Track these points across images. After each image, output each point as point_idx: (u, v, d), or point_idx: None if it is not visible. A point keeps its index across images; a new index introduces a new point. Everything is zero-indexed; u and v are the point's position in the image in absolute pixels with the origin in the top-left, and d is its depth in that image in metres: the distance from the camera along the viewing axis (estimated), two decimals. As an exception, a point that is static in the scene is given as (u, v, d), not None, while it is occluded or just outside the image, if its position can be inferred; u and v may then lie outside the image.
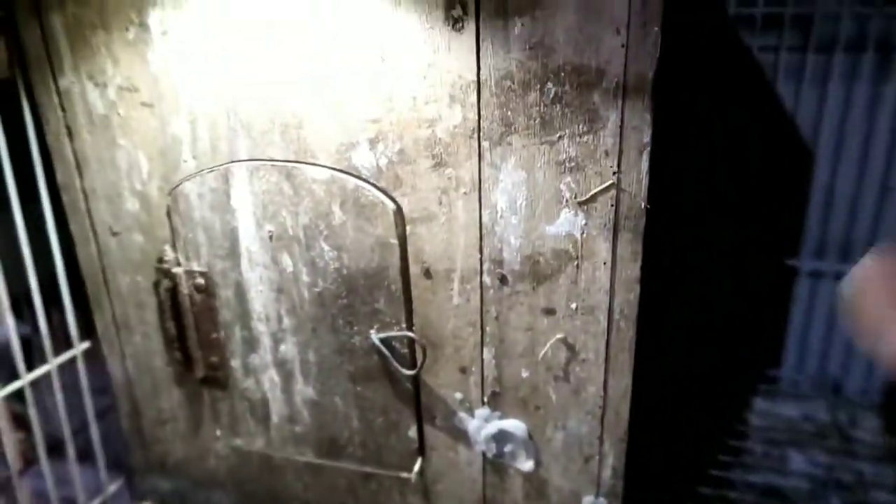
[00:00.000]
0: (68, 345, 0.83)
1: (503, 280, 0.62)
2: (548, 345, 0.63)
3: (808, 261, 1.09)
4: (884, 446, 1.03)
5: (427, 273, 0.64)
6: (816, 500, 0.93)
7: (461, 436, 0.70)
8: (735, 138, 1.04)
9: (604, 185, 0.57)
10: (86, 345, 0.85)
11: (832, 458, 1.00)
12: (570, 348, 0.63)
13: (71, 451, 0.84)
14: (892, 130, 0.99)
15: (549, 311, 0.62)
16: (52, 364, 0.79)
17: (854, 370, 1.12)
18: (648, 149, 0.55)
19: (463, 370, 0.67)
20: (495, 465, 0.70)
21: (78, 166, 0.72)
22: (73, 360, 0.84)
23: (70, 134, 0.71)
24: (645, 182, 0.56)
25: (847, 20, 0.95)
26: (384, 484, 0.76)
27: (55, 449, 0.87)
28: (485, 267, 0.62)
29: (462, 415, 0.69)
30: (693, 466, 0.99)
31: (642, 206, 0.57)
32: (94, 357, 0.84)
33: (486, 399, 0.68)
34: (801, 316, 1.13)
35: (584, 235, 0.59)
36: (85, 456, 0.90)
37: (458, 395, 0.68)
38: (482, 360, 0.66)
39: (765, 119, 1.04)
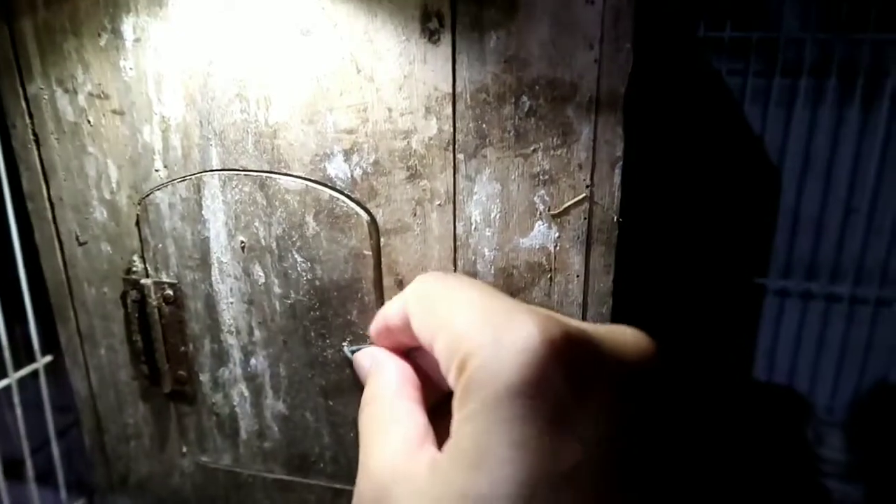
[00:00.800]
0: (30, 358, 0.81)
1: (477, 292, 0.62)
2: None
3: (775, 280, 1.11)
4: (849, 463, 1.05)
5: (401, 285, 0.64)
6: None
7: (433, 451, 0.69)
8: (703, 158, 1.06)
9: (577, 198, 0.57)
10: (48, 358, 0.83)
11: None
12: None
13: (30, 470, 0.81)
14: (855, 154, 1.02)
15: (523, 324, 0.62)
16: (12, 378, 0.77)
17: (820, 388, 1.14)
18: (621, 162, 0.56)
19: (436, 384, 0.67)
20: (467, 481, 0.70)
21: (45, 174, 0.71)
22: (34, 375, 0.81)
23: (37, 141, 0.70)
24: (617, 195, 0.57)
25: (811, 45, 0.98)
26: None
27: (13, 468, 0.84)
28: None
29: (434, 429, 0.68)
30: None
31: (615, 219, 0.58)
32: (56, 371, 0.82)
33: (458, 413, 0.67)
34: (768, 335, 1.15)
35: (558, 248, 0.59)
36: (45, 475, 0.88)
37: (431, 409, 0.68)
38: (455, 373, 0.66)
39: (732, 140, 1.06)
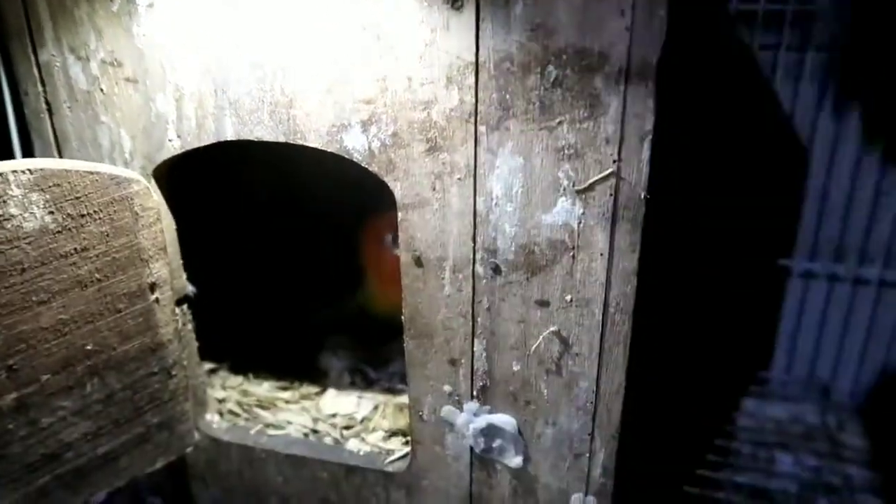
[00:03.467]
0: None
1: (496, 270, 0.61)
2: (540, 338, 0.62)
3: (801, 262, 1.08)
4: (871, 450, 1.03)
5: (418, 261, 0.62)
6: (804, 502, 0.92)
7: (448, 430, 0.68)
8: (731, 135, 1.03)
9: (603, 174, 0.55)
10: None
11: (820, 460, 1.00)
12: (563, 342, 0.61)
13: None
14: (888, 132, 0.98)
15: (543, 303, 0.61)
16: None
17: (843, 373, 1.12)
18: (650, 137, 0.54)
19: (453, 362, 0.65)
20: (483, 461, 0.69)
21: (58, 144, 0.70)
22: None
23: (50, 110, 0.69)
24: (645, 171, 0.55)
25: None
26: (368, 478, 0.74)
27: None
28: (478, 256, 0.61)
29: (450, 408, 0.67)
30: (680, 466, 0.98)
31: (642, 195, 0.55)
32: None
33: (475, 392, 0.66)
34: (792, 317, 1.13)
35: (581, 225, 0.57)
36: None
37: (447, 388, 0.66)
38: (473, 352, 0.64)
39: (762, 117, 1.02)
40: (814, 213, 1.05)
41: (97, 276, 0.63)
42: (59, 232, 0.59)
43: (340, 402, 0.81)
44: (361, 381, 0.88)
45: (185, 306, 0.73)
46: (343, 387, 0.86)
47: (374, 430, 0.77)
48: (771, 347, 1.14)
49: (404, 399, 0.81)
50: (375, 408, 0.81)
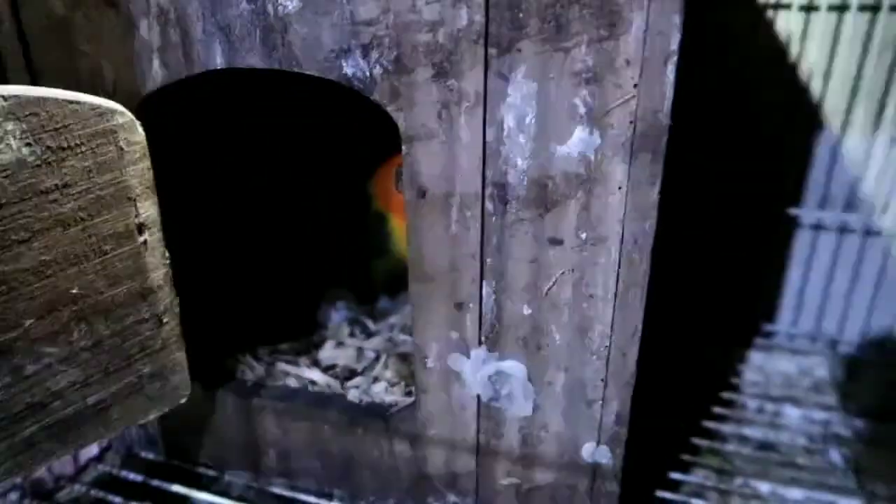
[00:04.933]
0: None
1: (507, 206, 0.57)
2: (553, 279, 0.58)
3: (811, 211, 1.05)
4: (881, 403, 1.01)
5: (423, 196, 0.59)
6: (813, 454, 0.91)
7: (455, 378, 0.65)
8: (744, 77, 0.99)
9: (623, 99, 0.51)
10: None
11: (828, 413, 0.98)
12: (578, 283, 0.58)
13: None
14: (907, 75, 0.95)
15: (556, 242, 0.57)
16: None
17: (851, 326, 1.10)
18: (675, 58, 0.50)
19: (459, 307, 0.62)
20: (491, 410, 0.66)
21: (32, 76, 0.65)
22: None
23: (24, 40, 0.64)
24: (669, 96, 0.51)
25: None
26: (370, 429, 0.71)
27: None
28: (487, 192, 0.57)
29: (456, 355, 0.64)
30: (686, 417, 0.96)
31: (665, 123, 0.52)
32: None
33: (483, 338, 0.63)
34: (800, 269, 1.10)
35: (599, 156, 0.54)
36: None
37: (454, 334, 0.63)
38: (481, 295, 0.61)
39: (776, 64, 0.98)
40: (825, 162, 1.01)
41: (81, 214, 0.59)
42: (38, 166, 0.55)
43: (340, 354, 0.78)
44: (361, 332, 0.85)
45: (175, 252, 0.69)
46: (342, 339, 0.83)
47: (375, 380, 0.74)
48: (778, 300, 1.12)
49: (407, 349, 0.78)
50: (377, 358, 0.78)
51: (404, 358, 0.75)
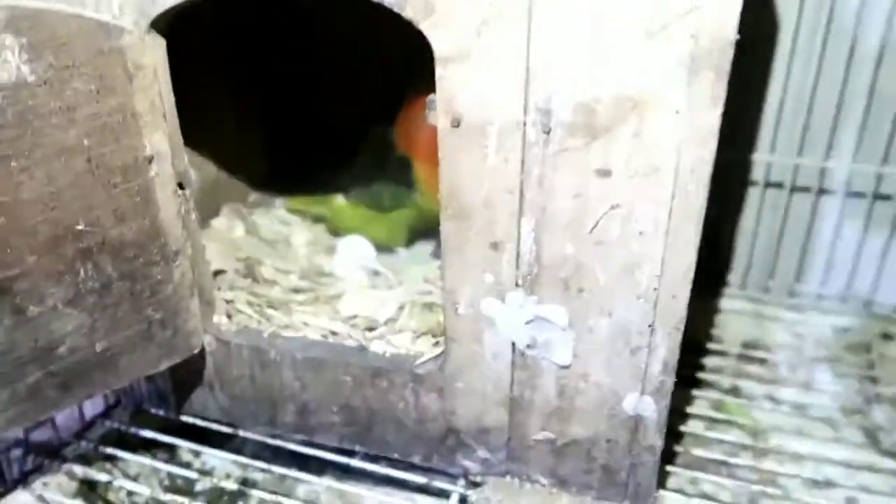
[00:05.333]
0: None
1: (550, 135, 0.52)
2: (599, 214, 0.54)
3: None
4: (918, 362, 0.97)
5: (458, 126, 0.54)
6: (852, 413, 0.87)
7: (488, 325, 0.61)
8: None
9: (686, 10, 0.46)
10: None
11: (866, 372, 0.94)
12: (626, 218, 0.54)
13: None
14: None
15: (604, 173, 0.53)
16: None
17: (885, 285, 1.05)
18: (746, -39, 0.45)
19: (495, 246, 0.58)
20: (526, 359, 0.62)
21: (33, -4, 0.60)
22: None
23: (23, -45, 0.59)
24: (737, 6, 0.46)
25: None
26: (395, 382, 0.67)
27: None
28: (529, 118, 0.52)
29: (490, 300, 0.60)
30: (717, 374, 0.93)
31: (731, 38, 0.47)
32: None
33: (520, 281, 0.58)
34: (832, 227, 1.05)
35: (655, 76, 0.49)
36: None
37: (488, 277, 0.59)
38: (519, 233, 0.56)
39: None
40: (859, 114, 0.96)
41: (86, 142, 0.54)
42: (39, 86, 0.51)
43: (361, 303, 0.74)
44: (382, 283, 0.80)
45: (186, 192, 0.65)
46: (362, 289, 0.78)
47: (400, 331, 0.70)
48: (809, 258, 1.07)
49: (433, 298, 0.74)
50: (401, 308, 0.73)
51: (430, 307, 0.71)
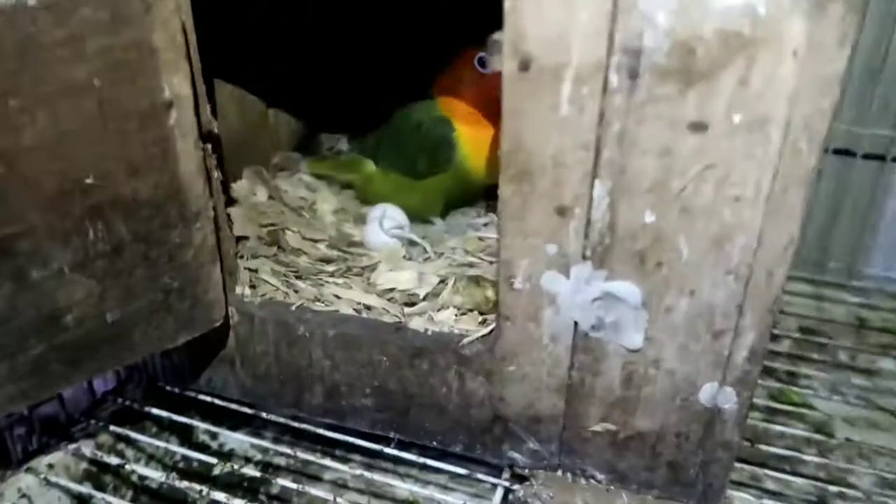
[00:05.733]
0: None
1: (638, 80, 0.45)
2: (689, 175, 0.46)
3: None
4: None
5: (526, 70, 0.46)
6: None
7: (548, 302, 0.54)
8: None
9: (817, -74, 0.38)
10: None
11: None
12: (721, 181, 0.46)
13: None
14: None
15: (699, 127, 0.45)
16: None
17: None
18: None
19: (561, 212, 0.50)
20: (590, 342, 0.55)
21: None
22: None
23: None
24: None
25: None
26: (438, 363, 0.60)
27: None
28: (614, 60, 0.44)
29: (552, 274, 0.53)
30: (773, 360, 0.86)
31: (868, -39, 0.39)
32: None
33: (588, 252, 0.51)
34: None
35: (770, 9, 0.41)
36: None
37: (551, 248, 0.52)
38: (591, 197, 0.49)
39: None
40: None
41: (97, 81, 0.47)
42: (42, 10, 0.43)
43: (397, 277, 0.67)
44: (418, 255, 0.73)
45: (209, 146, 0.57)
46: (396, 262, 0.71)
47: (442, 307, 0.63)
48: (871, 234, 1.00)
49: (480, 271, 0.67)
50: (442, 282, 0.66)
51: (477, 282, 0.64)
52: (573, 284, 0.52)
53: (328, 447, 0.69)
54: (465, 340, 0.59)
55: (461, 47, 0.74)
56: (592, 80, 0.45)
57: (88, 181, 0.48)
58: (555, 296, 0.53)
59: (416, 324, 0.62)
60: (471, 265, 0.70)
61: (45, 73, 0.44)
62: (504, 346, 0.57)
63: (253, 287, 0.66)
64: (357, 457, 0.71)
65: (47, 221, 0.48)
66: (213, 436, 0.76)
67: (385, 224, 0.77)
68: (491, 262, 0.70)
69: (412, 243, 0.75)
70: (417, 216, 0.81)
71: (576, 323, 0.54)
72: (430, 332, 0.61)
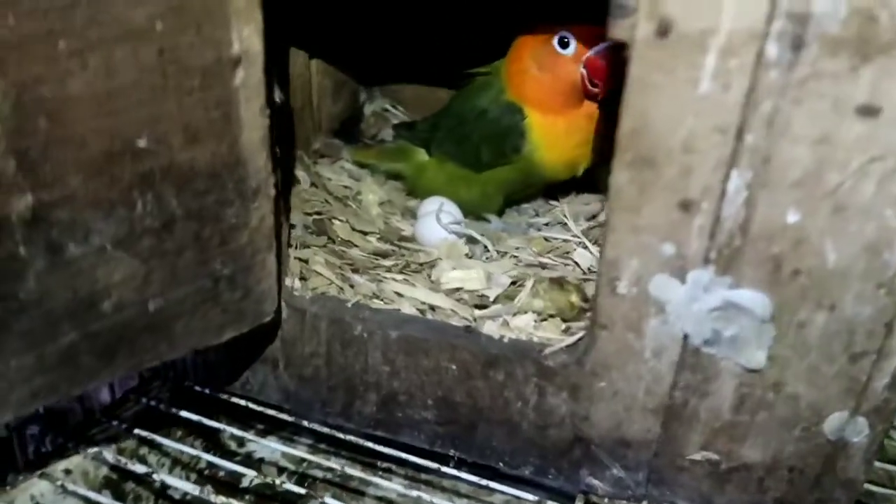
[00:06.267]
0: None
1: (801, 52, 0.38)
2: (850, 168, 0.40)
3: None
4: None
5: (665, 36, 0.39)
6: None
7: (656, 310, 0.47)
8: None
9: None
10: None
11: None
12: (888, 176, 0.39)
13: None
14: None
15: (869, 111, 0.38)
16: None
17: None
18: None
19: (686, 206, 0.43)
20: (699, 358, 0.48)
21: None
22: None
23: None
24: None
25: None
26: (515, 374, 0.53)
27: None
28: (775, 26, 0.38)
29: (664, 278, 0.46)
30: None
31: None
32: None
33: (713, 255, 0.44)
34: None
35: (978, -30, 0.34)
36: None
37: (668, 247, 0.45)
38: (724, 190, 0.42)
39: None
40: None
41: (159, 26, 0.40)
42: (100, -66, 0.36)
43: (463, 276, 0.60)
44: (480, 254, 0.66)
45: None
46: (457, 259, 0.64)
47: (519, 311, 0.56)
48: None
49: (555, 273, 0.60)
50: (514, 283, 0.59)
51: (560, 285, 0.57)
52: (689, 291, 0.45)
53: (375, 461, 0.62)
54: (549, 350, 0.52)
55: (530, 22, 0.67)
56: (744, 51, 0.38)
57: (141, 144, 0.41)
58: (664, 303, 0.46)
59: (489, 329, 0.55)
60: (542, 266, 0.63)
61: (100, 12, 0.38)
62: (596, 359, 0.50)
63: (303, 279, 0.59)
64: (407, 472, 0.64)
65: (91, 188, 0.41)
66: (243, 443, 0.69)
67: (443, 219, 0.70)
68: (566, 265, 0.63)
69: (472, 240, 0.69)
70: (472, 212, 0.74)
71: (685, 336, 0.47)
72: (506, 339, 0.54)
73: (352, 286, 0.59)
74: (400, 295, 0.58)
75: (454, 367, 0.54)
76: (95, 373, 0.46)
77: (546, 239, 0.70)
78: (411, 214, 0.77)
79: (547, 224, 0.75)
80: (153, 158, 0.42)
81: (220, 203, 0.47)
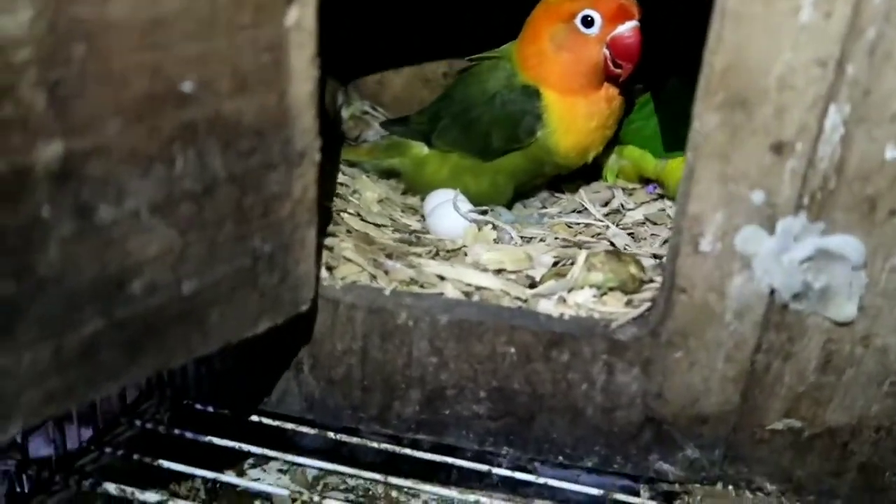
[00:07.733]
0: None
1: (906, -26, 0.37)
2: (953, 96, 0.39)
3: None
4: None
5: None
6: None
7: (741, 266, 0.44)
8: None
9: None
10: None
11: None
12: None
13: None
14: None
15: (972, 34, 0.37)
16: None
17: None
18: None
19: (778, 149, 0.41)
20: (786, 316, 0.45)
21: None
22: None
23: None
24: None
25: None
26: (582, 353, 0.49)
27: None
28: (879, -53, 0.36)
29: (752, 230, 0.43)
30: None
31: None
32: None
33: (805, 201, 0.42)
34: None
35: None
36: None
37: (758, 195, 0.42)
38: (820, 128, 0.40)
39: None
40: None
41: (211, -56, 0.34)
42: None
43: (501, 256, 0.56)
44: (507, 241, 0.62)
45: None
46: (487, 243, 0.60)
47: (575, 287, 0.52)
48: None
49: (611, 246, 0.57)
50: (556, 263, 0.55)
51: (619, 257, 0.53)
52: (779, 241, 0.43)
53: (426, 471, 0.56)
54: (616, 323, 0.49)
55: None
56: (847, -25, 0.37)
57: (186, 88, 0.35)
58: (750, 258, 0.44)
59: (545, 306, 0.50)
60: (579, 246, 0.60)
61: (148, -79, 0.32)
62: (673, 327, 0.47)
63: (330, 269, 0.53)
64: (444, 477, 0.58)
65: (128, 138, 0.34)
66: (261, 466, 0.61)
67: (461, 207, 0.65)
68: (611, 242, 0.60)
69: (494, 228, 0.64)
70: (481, 204, 0.70)
71: (772, 292, 0.44)
72: (566, 317, 0.50)
73: (386, 272, 0.53)
74: (442, 278, 0.53)
75: (512, 350, 0.49)
76: (116, 372, 0.38)
77: (568, 225, 0.67)
78: (412, 211, 0.73)
79: (559, 213, 0.72)
80: (198, 107, 0.36)
81: (265, 166, 0.41)
